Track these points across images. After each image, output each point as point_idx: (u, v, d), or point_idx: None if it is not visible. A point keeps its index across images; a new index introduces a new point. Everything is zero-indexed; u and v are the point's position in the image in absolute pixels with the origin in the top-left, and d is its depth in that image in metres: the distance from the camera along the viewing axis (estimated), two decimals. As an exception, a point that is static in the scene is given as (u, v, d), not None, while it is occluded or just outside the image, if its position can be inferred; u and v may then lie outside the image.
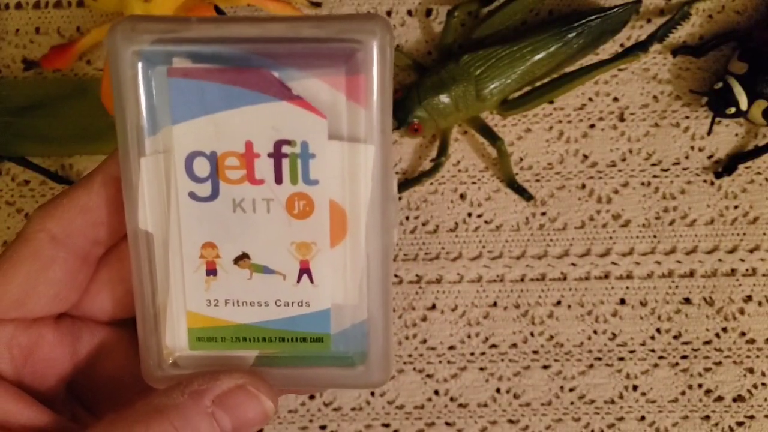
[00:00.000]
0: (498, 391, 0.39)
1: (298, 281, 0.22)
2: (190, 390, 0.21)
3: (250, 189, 0.21)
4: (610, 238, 0.39)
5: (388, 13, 0.39)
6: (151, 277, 0.22)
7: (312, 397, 0.39)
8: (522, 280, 0.39)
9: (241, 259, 0.22)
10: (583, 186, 0.39)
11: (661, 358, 0.39)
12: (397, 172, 0.39)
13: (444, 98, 0.36)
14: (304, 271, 0.22)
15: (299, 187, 0.21)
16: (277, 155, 0.21)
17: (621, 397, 0.39)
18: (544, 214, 0.39)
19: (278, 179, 0.21)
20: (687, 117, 0.39)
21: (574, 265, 0.39)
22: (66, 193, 0.22)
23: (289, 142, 0.21)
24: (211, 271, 0.22)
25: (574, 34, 0.37)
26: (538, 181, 0.39)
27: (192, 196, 0.21)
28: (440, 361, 0.39)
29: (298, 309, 0.22)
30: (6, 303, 0.22)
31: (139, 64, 0.21)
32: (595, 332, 0.39)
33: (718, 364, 0.39)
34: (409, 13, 0.39)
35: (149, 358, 0.23)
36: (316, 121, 0.21)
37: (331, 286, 0.22)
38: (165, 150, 0.21)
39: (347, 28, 0.20)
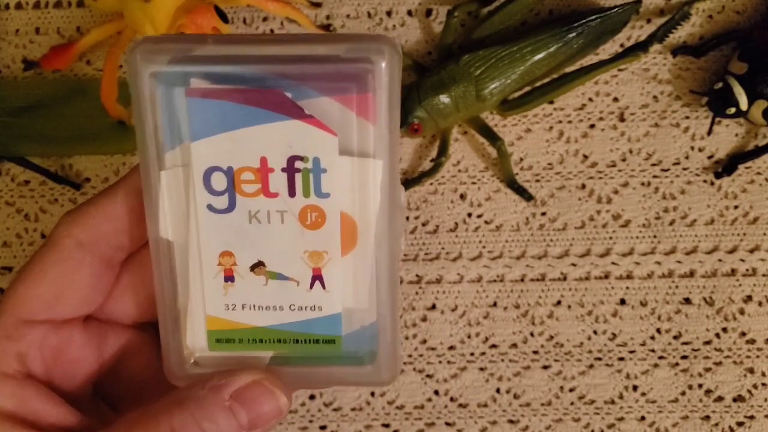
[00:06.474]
0: (498, 391, 0.39)
1: (311, 287, 0.24)
2: (209, 385, 0.23)
3: (265, 201, 0.23)
4: (610, 238, 0.39)
5: (388, 14, 0.39)
6: (172, 282, 0.24)
7: (312, 397, 0.39)
8: (522, 280, 0.39)
9: (257, 266, 0.23)
10: (583, 186, 0.39)
11: (661, 358, 0.39)
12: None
13: (444, 98, 0.36)
14: (317, 277, 0.24)
15: (311, 199, 0.23)
16: (290, 170, 0.22)
17: (621, 397, 0.39)
18: (544, 214, 0.39)
19: (291, 192, 0.23)
20: (687, 117, 0.39)
21: (574, 265, 0.39)
22: (91, 202, 0.24)
23: (301, 158, 0.22)
24: (229, 278, 0.24)
25: (574, 34, 0.37)
26: (538, 181, 0.39)
27: (210, 208, 0.23)
28: (440, 361, 0.39)
29: (311, 313, 0.24)
30: (37, 305, 0.24)
31: (159, 85, 0.22)
32: (595, 332, 0.39)
33: (718, 364, 0.39)
34: (409, 13, 0.39)
35: (171, 358, 0.25)
36: (327, 139, 0.22)
37: (342, 291, 0.24)
38: (184, 164, 0.23)
39: (357, 47, 0.22)
